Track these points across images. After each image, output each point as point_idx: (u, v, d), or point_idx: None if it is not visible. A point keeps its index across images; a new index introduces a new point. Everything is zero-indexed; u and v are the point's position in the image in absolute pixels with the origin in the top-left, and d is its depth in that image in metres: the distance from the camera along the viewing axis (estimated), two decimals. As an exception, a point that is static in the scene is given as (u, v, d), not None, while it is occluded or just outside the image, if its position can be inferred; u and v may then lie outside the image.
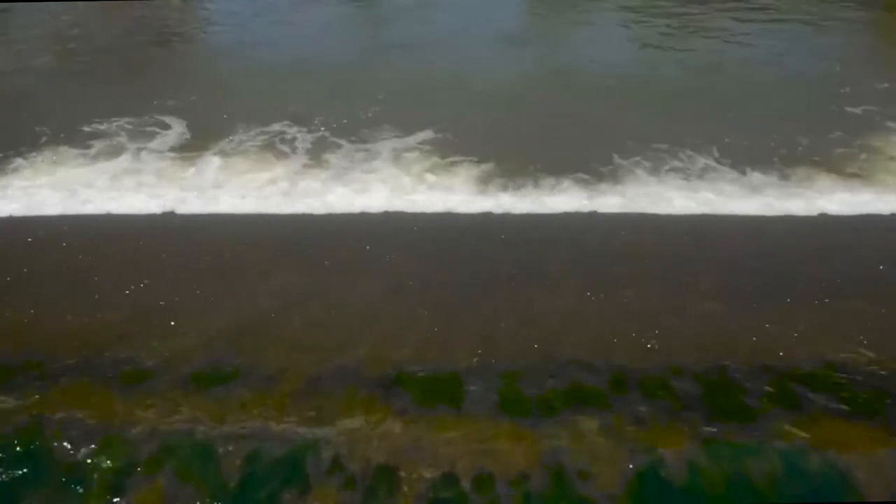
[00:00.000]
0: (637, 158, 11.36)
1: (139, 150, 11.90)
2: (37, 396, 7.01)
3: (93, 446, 6.45)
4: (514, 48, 16.68)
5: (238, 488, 6.13)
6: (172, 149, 11.90)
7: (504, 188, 10.71)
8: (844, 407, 6.80)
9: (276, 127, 12.50)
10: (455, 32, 17.58)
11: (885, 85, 13.88)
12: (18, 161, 11.61)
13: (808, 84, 14.25)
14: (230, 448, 6.44)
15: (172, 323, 8.00)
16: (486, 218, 10.13)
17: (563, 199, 10.45)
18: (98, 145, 12.05)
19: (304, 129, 12.41)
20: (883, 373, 7.19)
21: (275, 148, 11.90)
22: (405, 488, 6.10)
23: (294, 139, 12.14)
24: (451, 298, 8.42)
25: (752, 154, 11.47)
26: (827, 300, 8.26)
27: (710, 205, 10.32)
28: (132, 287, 8.60)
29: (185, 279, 8.76)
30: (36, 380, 7.22)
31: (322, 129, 12.44)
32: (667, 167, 11.16)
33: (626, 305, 8.24)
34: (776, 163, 11.26)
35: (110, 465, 6.29)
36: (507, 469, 6.24)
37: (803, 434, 6.53)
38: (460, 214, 10.21)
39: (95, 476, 6.21)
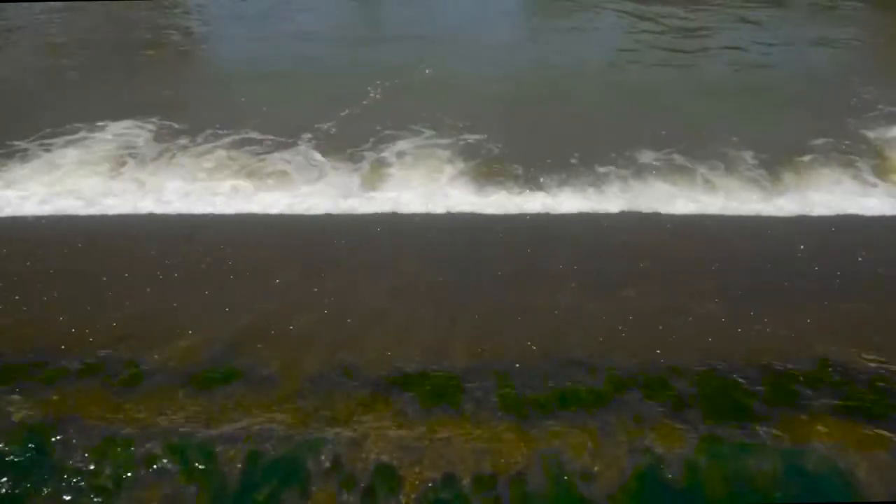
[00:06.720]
0: (637, 158, 11.36)
1: (141, 149, 11.91)
2: (37, 397, 7.00)
3: (93, 447, 6.45)
4: (511, 45, 16.68)
5: (238, 488, 6.13)
6: (171, 149, 11.90)
7: (504, 188, 10.71)
8: (844, 407, 6.80)
9: (273, 127, 12.51)
10: (452, 30, 17.58)
11: (888, 85, 13.87)
12: (16, 161, 11.61)
13: (810, 84, 14.24)
14: (230, 448, 6.44)
15: (173, 323, 7.99)
16: (486, 218, 10.13)
17: (563, 199, 10.46)
18: (99, 145, 12.05)
19: (299, 130, 12.41)
20: (883, 373, 7.19)
21: (274, 148, 11.90)
22: (405, 488, 6.10)
23: (290, 140, 12.15)
24: (451, 298, 8.42)
25: (752, 154, 11.46)
26: (827, 300, 8.26)
27: (710, 205, 10.33)
28: (132, 287, 8.60)
29: (185, 279, 8.76)
30: (36, 381, 7.21)
31: (318, 129, 12.44)
32: (667, 167, 11.15)
33: (625, 305, 8.24)
34: (776, 163, 11.26)
35: (110, 465, 6.29)
36: (506, 469, 6.23)
37: (803, 434, 6.52)
38: (460, 214, 10.21)
39: (96, 477, 6.21)
